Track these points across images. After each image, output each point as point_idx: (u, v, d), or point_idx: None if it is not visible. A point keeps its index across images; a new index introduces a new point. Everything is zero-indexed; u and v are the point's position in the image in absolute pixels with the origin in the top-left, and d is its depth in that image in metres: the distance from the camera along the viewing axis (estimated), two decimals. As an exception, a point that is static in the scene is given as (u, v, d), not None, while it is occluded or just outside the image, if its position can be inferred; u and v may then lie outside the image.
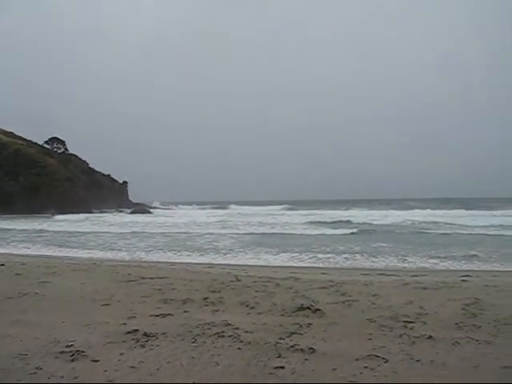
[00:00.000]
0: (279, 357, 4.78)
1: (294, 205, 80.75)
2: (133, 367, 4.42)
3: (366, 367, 4.53)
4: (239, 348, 5.05)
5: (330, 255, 18.23)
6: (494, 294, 8.36)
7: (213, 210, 72.18)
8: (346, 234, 28.08)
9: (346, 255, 18.21)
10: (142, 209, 76.81)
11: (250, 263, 16.66)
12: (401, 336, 5.57)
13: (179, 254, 19.80)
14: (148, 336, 5.35)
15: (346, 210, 66.19)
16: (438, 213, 49.52)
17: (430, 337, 5.52)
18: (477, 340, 5.44)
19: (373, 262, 16.72)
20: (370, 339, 5.44)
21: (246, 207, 77.59)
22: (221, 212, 65.29)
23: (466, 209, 56.68)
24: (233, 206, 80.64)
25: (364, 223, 36.79)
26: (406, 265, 16.01)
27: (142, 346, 5.05)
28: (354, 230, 29.74)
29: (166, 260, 17.41)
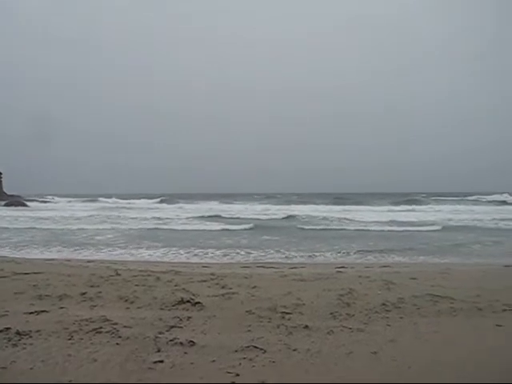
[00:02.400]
0: (158, 351, 4.76)
1: (168, 197, 79.07)
2: (3, 368, 4.22)
3: (244, 358, 4.63)
4: (117, 343, 4.98)
5: (211, 250, 18.29)
6: (367, 284, 8.77)
7: (93, 204, 69.70)
8: (229, 230, 28.12)
9: (227, 249, 18.36)
10: (17, 201, 72.32)
11: (130, 258, 16.39)
12: (279, 326, 5.73)
13: (57, 248, 19.04)
14: (21, 334, 5.11)
15: (227, 203, 66.70)
16: (322, 208, 51.19)
17: (307, 326, 5.73)
18: (350, 328, 5.73)
19: (254, 255, 17.00)
20: (249, 330, 5.55)
21: (120, 200, 74.87)
22: (98, 205, 63.33)
23: (351, 204, 59.11)
24: (102, 199, 77.49)
25: (246, 218, 37.19)
26: (286, 258, 16.42)
27: (14, 345, 4.82)
28: (246, 226, 29.48)
29: (42, 255, 16.69)
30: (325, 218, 36.93)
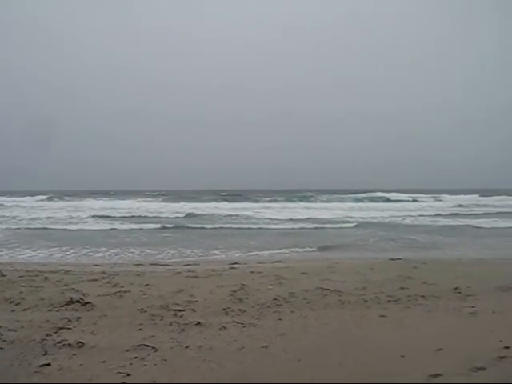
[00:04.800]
0: (45, 354, 4.65)
1: (55, 194, 74.44)
2: None
3: (135, 357, 4.61)
4: (1, 348, 4.81)
5: (103, 248, 17.77)
6: (259, 279, 8.94)
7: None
8: (127, 230, 27.20)
9: (121, 248, 17.92)
10: None
11: (17, 258, 15.62)
12: (171, 324, 5.75)
13: None
14: None
15: (119, 200, 64.38)
16: (223, 205, 50.71)
17: (199, 323, 5.79)
18: (242, 323, 5.83)
19: (148, 253, 16.74)
20: (141, 329, 5.52)
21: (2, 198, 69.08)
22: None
23: (244, 201, 59.40)
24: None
25: (142, 216, 36.45)
26: (181, 256, 16.27)
27: None
28: (145, 226, 28.07)
29: None
30: (227, 216, 36.79)
